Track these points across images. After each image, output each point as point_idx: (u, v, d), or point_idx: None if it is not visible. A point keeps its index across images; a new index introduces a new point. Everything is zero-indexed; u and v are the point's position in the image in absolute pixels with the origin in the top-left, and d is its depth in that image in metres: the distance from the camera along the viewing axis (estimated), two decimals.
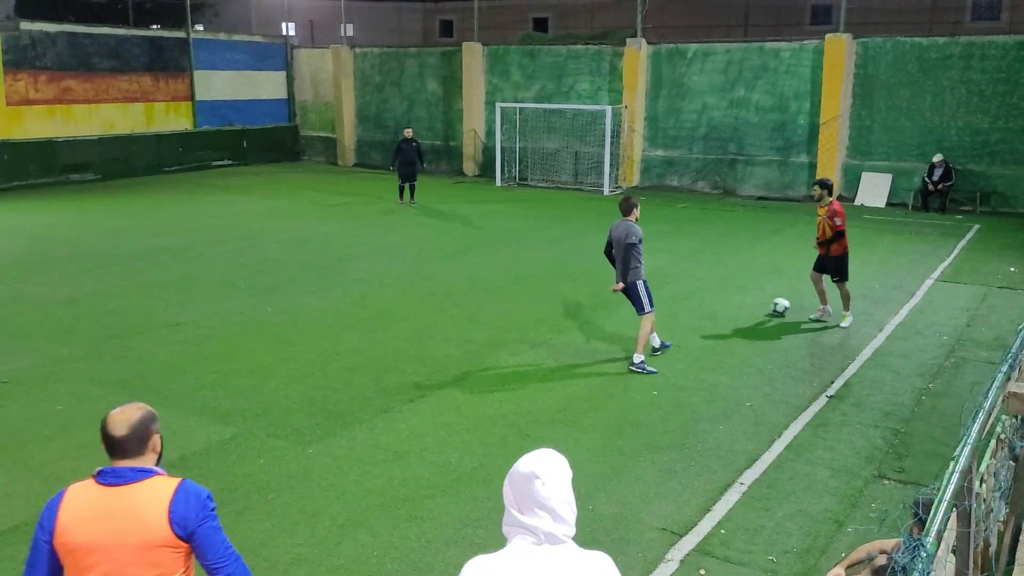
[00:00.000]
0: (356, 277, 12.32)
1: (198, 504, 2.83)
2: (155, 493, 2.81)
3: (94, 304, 10.77)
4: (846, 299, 9.99)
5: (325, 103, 28.14)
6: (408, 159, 18.89)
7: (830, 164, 19.82)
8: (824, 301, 10.16)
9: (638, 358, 8.41)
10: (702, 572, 5.06)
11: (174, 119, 25.48)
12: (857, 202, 19.48)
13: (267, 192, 21.19)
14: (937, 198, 18.47)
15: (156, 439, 2.90)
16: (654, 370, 8.40)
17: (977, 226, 16.78)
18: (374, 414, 7.36)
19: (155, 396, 7.72)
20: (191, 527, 2.80)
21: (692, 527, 5.55)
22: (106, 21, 27.34)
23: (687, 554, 5.24)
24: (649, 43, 21.98)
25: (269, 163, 27.03)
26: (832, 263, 9.97)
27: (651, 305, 8.52)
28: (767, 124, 20.75)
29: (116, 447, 2.83)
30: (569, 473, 2.41)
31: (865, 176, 19.66)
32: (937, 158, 18.39)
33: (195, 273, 12.52)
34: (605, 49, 22.77)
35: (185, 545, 2.83)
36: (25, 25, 22.11)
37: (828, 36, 19.75)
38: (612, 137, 21.62)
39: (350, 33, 31.30)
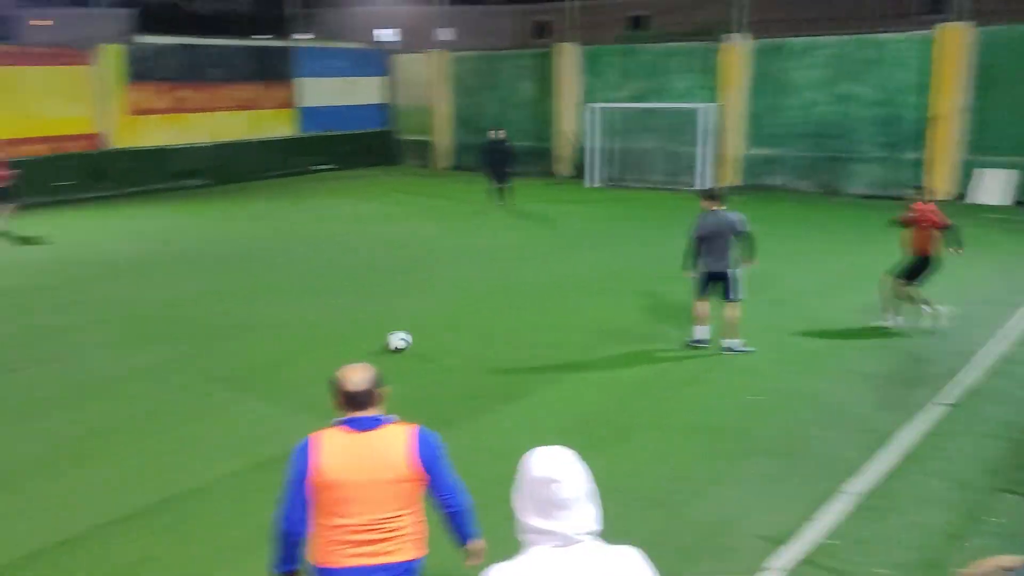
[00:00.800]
0: (451, 278, 12.49)
1: (434, 444, 3.41)
2: (398, 436, 3.37)
3: (204, 304, 11.28)
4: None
5: (422, 107, 28.64)
6: (498, 160, 18.94)
7: (944, 161, 18.85)
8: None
9: (735, 342, 8.87)
10: None
11: (278, 126, 26.45)
12: (971, 200, 18.45)
13: (365, 195, 21.74)
14: None
15: (383, 392, 3.43)
16: (753, 348, 8.84)
17: None
18: (470, 414, 7.43)
19: (262, 392, 8.03)
20: (430, 463, 3.37)
21: (797, 536, 5.37)
22: (215, 33, 28.63)
23: (791, 564, 5.08)
24: (750, 38, 21.43)
25: (368, 167, 27.67)
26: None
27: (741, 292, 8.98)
28: (875, 120, 19.88)
29: (356, 400, 3.36)
30: (584, 468, 2.34)
31: (984, 173, 18.59)
32: None
33: (301, 274, 12.95)
34: (703, 46, 22.31)
35: (424, 478, 3.37)
36: (147, 39, 23.49)
37: (942, 25, 18.78)
38: (709, 135, 21.18)
39: (446, 37, 31.79)
